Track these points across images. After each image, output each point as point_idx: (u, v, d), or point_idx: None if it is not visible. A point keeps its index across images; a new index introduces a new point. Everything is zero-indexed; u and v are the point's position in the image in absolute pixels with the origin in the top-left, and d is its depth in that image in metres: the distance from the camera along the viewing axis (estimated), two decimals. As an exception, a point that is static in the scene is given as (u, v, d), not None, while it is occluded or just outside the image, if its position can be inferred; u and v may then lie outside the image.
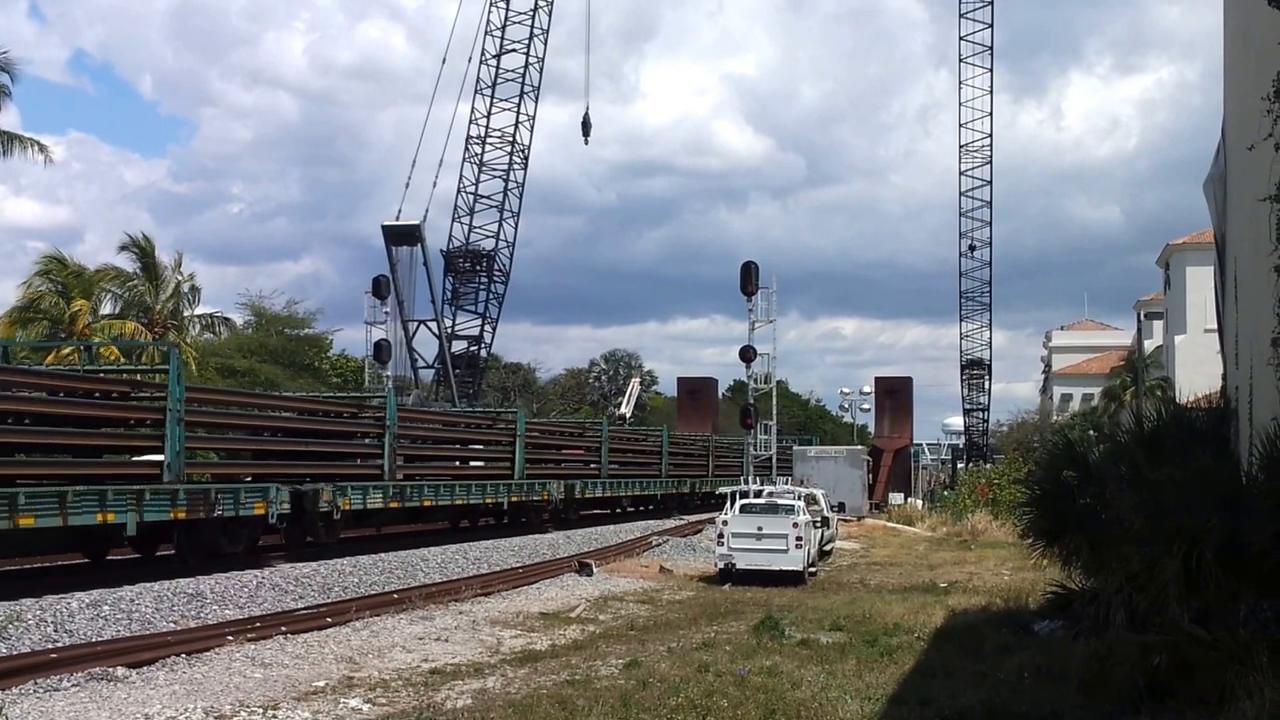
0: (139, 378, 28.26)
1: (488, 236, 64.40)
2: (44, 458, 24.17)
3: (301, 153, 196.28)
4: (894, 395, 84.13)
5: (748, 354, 46.41)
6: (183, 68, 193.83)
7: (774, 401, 50.29)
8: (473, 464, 41.97)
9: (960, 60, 76.82)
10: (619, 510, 54.20)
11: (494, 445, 42.73)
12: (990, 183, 77.22)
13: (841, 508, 48.95)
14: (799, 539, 29.52)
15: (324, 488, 29.37)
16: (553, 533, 41.86)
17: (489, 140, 63.75)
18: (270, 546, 30.14)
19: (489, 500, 39.33)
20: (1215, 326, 19.38)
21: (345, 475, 31.84)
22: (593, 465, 50.42)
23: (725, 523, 30.65)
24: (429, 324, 63.97)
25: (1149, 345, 74.10)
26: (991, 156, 76.95)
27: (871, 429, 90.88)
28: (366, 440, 34.34)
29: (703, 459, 65.33)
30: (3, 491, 20.75)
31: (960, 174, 78.02)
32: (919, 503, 70.97)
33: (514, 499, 40.72)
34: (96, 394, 25.87)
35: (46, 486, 22.13)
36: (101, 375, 28.23)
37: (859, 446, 76.14)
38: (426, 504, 35.34)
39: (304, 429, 32.84)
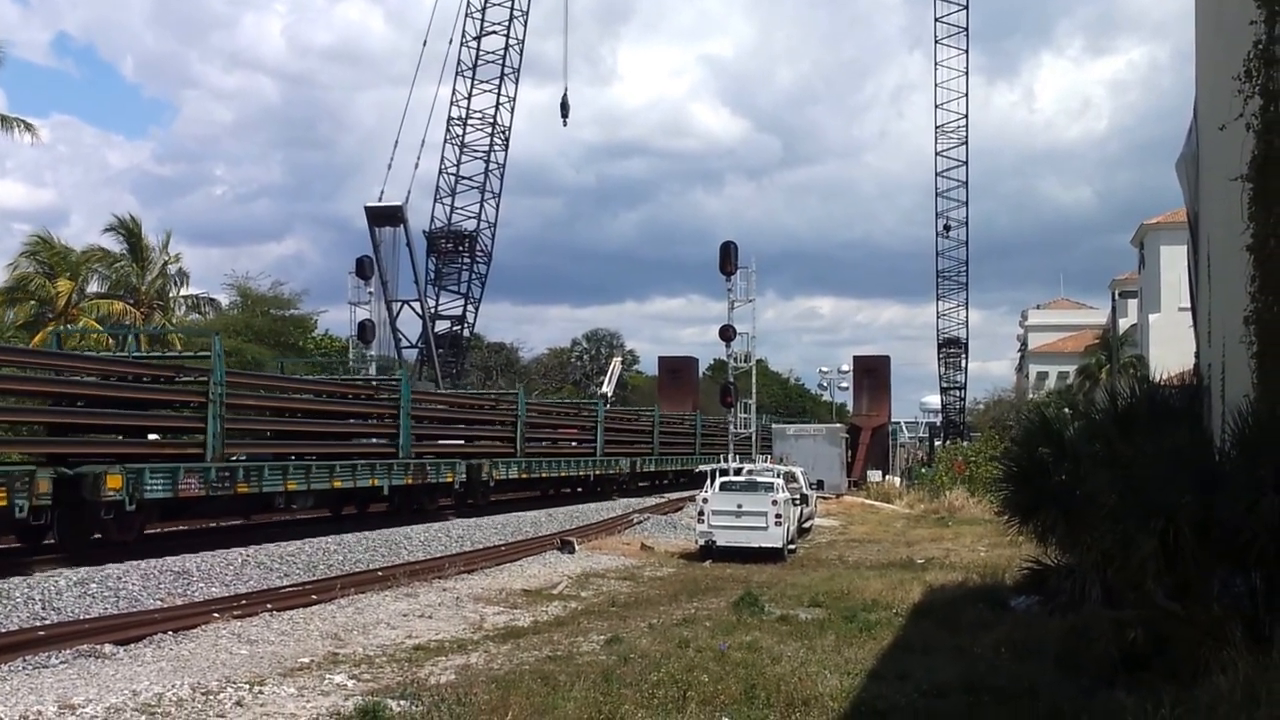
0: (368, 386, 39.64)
1: (469, 217, 64.37)
2: (314, 441, 33.02)
3: (283, 135, 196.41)
4: (872, 374, 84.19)
5: (727, 333, 46.55)
6: (163, 50, 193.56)
7: (754, 380, 50.48)
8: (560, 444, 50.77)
9: (936, 41, 76.71)
10: (664, 482, 60.75)
11: (580, 430, 52.09)
12: (966, 163, 77.28)
13: (820, 485, 49.11)
14: (778, 516, 29.70)
15: (485, 462, 39.29)
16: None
17: (470, 122, 63.65)
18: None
19: (582, 473, 49.61)
20: (1189, 305, 19.49)
21: (490, 453, 41.03)
22: (643, 445, 58.20)
23: (705, 500, 30.81)
24: (412, 304, 63.93)
25: (1123, 324, 74.32)
26: (967, 137, 77.03)
27: (850, 407, 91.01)
28: (502, 426, 43.20)
29: (725, 439, 66.42)
30: (326, 464, 30.74)
31: (936, 154, 78.04)
32: (897, 480, 71.22)
33: (597, 472, 50.72)
34: (348, 395, 36.98)
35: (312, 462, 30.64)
36: (357, 381, 40.60)
37: (837, 425, 76.29)
38: (543, 475, 45.46)
39: (458, 418, 41.77)
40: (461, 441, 40.75)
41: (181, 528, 29.36)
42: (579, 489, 51.39)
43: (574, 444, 51.09)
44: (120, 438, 25.93)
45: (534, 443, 45.52)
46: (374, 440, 34.90)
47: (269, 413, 31.68)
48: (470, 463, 38.36)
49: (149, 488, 23.71)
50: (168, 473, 24.41)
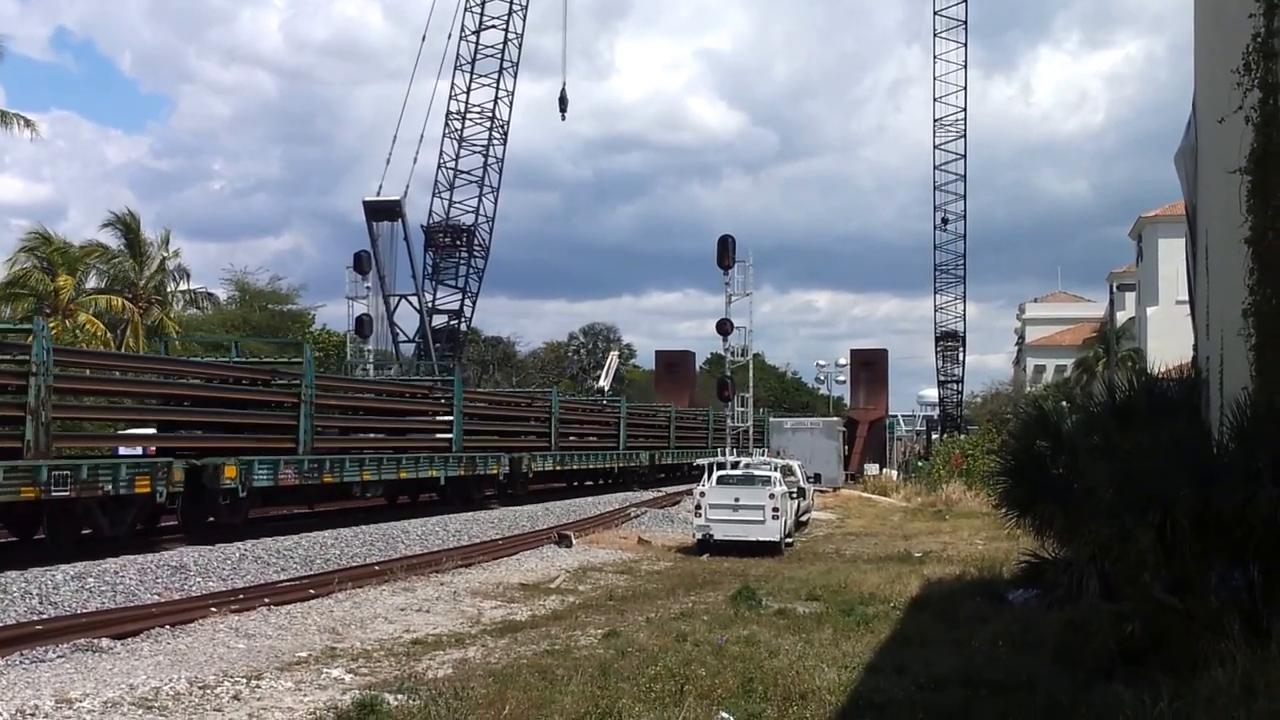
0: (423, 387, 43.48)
1: (468, 211, 64.23)
2: (376, 435, 37.34)
3: (281, 130, 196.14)
4: (869, 367, 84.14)
5: (725, 327, 46.56)
6: (161, 44, 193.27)
7: (750, 374, 50.48)
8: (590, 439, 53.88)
9: (934, 35, 76.52)
10: (678, 474, 61.22)
11: (605, 425, 55.49)
12: (964, 156, 77.08)
13: (817, 478, 49.16)
14: (775, 510, 29.69)
15: (525, 456, 42.70)
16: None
17: (469, 116, 63.49)
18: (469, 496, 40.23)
19: (607, 466, 52.89)
20: (1187, 298, 19.47)
21: (528, 447, 44.31)
22: (660, 439, 61.60)
23: (703, 494, 30.79)
24: (410, 298, 63.87)
25: (1121, 317, 74.21)
26: (966, 130, 76.86)
27: (847, 400, 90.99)
28: (535, 422, 47.01)
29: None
30: (395, 456, 34.48)
31: (934, 148, 77.85)
32: (894, 473, 71.28)
33: (621, 465, 54.07)
34: (406, 394, 41.29)
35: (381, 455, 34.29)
36: (414, 382, 44.89)
37: (835, 418, 76.30)
38: (574, 468, 49.07)
39: (499, 414, 45.05)
40: (500, 436, 43.59)
41: (280, 512, 32.60)
42: (603, 480, 54.50)
43: (599, 438, 53.91)
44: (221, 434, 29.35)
45: (565, 438, 48.77)
46: (433, 435, 38.44)
47: (343, 411, 35.33)
48: (512, 456, 41.69)
49: (257, 477, 27.43)
50: (270, 464, 28.22)
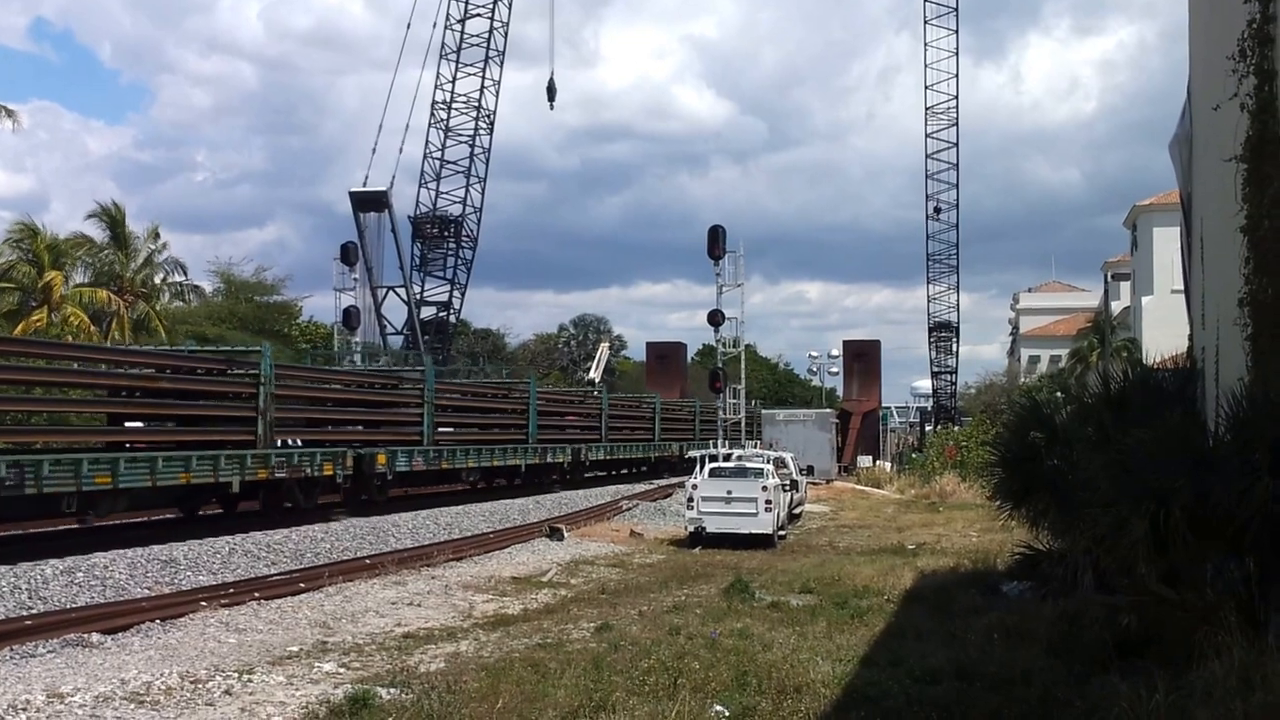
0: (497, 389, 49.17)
1: (455, 202, 64.12)
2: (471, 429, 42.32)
3: (263, 120, 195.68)
4: (862, 358, 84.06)
5: (716, 318, 46.54)
6: (140, 34, 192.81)
7: (743, 365, 50.44)
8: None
9: (925, 22, 76.44)
10: None
11: (642, 420, 60.61)
12: (956, 145, 77.06)
13: (810, 471, 49.05)
14: (768, 502, 29.59)
15: (583, 447, 49.44)
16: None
17: (454, 105, 63.34)
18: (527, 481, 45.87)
19: (644, 456, 59.15)
20: (1182, 287, 19.44)
21: (583, 440, 50.65)
22: (686, 431, 66.32)
23: (695, 486, 30.69)
24: (398, 290, 63.73)
25: (1116, 306, 74.25)
26: (958, 118, 76.84)
27: (840, 392, 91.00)
28: (589, 418, 53.44)
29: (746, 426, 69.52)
30: (489, 446, 40.78)
31: (926, 136, 77.83)
32: (887, 465, 71.23)
33: (655, 455, 60.11)
34: (489, 394, 46.59)
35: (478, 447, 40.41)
36: (498, 384, 50.92)
37: (827, 410, 76.22)
38: (620, 458, 56.10)
39: (558, 411, 51.11)
40: (559, 430, 49.55)
41: (407, 492, 37.90)
42: (639, 469, 59.80)
43: (638, 431, 59.25)
44: (361, 428, 35.62)
45: (612, 431, 54.61)
46: (511, 429, 44.48)
47: (449, 410, 40.14)
48: (573, 447, 48.24)
49: (399, 464, 34.01)
50: (408, 453, 34.86)
